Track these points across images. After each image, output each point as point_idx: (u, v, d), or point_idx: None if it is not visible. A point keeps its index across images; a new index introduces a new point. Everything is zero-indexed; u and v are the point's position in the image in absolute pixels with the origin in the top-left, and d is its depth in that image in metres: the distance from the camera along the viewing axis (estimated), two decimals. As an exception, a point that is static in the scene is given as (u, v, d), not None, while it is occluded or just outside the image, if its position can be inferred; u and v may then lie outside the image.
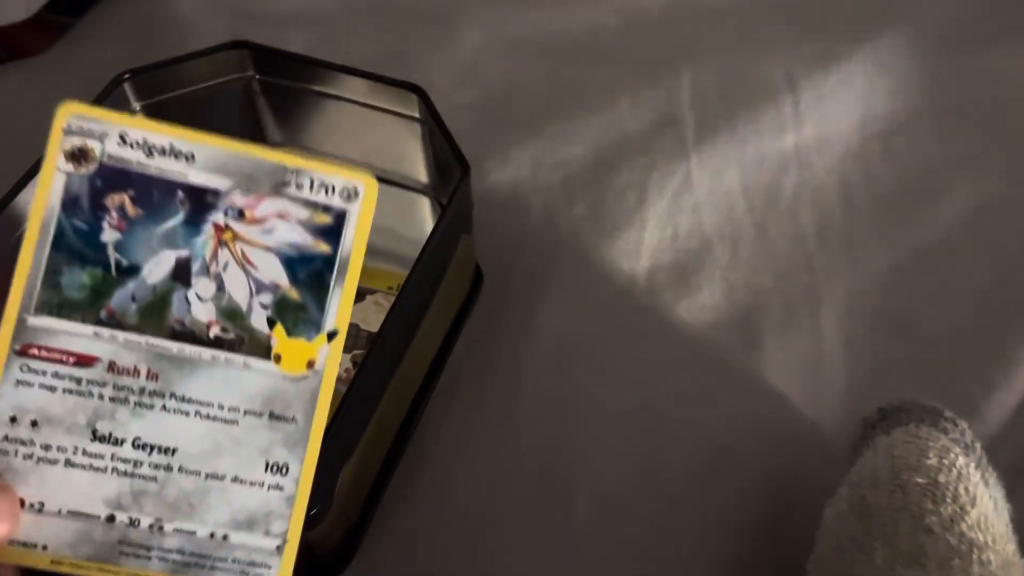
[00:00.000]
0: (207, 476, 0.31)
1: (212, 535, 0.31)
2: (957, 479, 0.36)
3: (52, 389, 0.30)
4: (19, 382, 0.30)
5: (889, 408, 0.40)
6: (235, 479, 0.31)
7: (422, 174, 0.53)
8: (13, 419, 0.30)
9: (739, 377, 0.49)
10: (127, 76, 0.48)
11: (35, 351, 0.30)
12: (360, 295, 0.50)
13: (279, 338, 0.32)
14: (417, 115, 0.49)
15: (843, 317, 0.52)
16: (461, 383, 0.48)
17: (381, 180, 0.54)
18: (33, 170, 0.45)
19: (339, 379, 0.46)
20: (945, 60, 0.65)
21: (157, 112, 0.51)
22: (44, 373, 0.30)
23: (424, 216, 0.53)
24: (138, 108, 0.50)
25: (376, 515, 0.43)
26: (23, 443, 0.30)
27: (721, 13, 0.68)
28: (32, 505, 0.30)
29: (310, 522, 0.37)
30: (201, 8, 0.66)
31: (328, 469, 0.37)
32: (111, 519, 0.31)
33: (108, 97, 0.48)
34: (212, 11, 0.66)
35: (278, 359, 0.32)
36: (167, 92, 0.50)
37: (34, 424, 0.30)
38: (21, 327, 0.30)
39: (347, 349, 0.48)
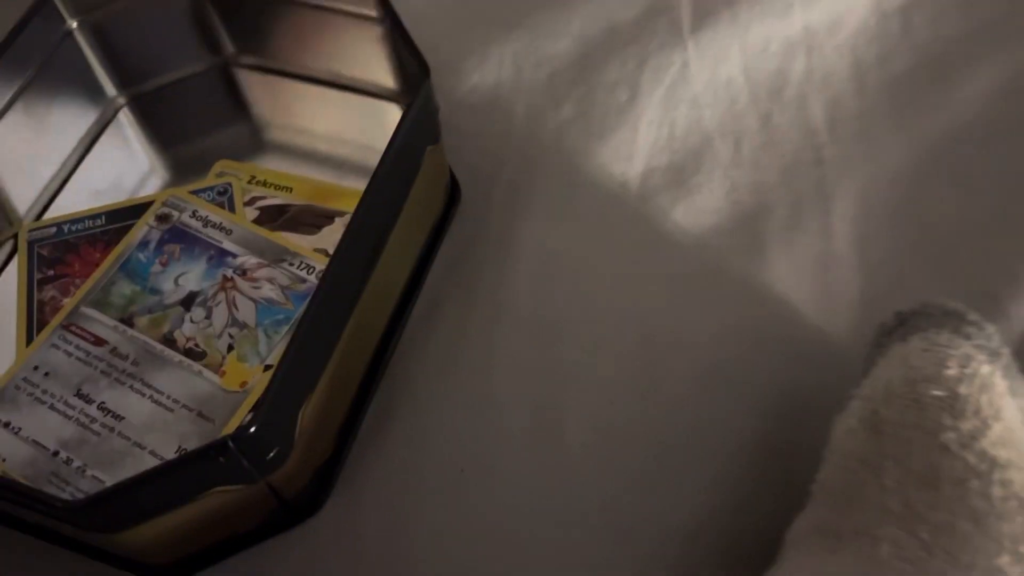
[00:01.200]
0: (134, 443, 0.39)
1: None
2: (980, 390, 0.32)
3: (69, 355, 0.42)
4: (53, 345, 0.42)
5: (908, 312, 0.35)
6: (152, 452, 0.39)
7: (389, 79, 0.48)
8: (36, 368, 0.41)
9: (741, 285, 0.45)
10: (54, -12, 0.44)
11: (73, 328, 0.42)
12: (328, 217, 0.46)
13: (230, 360, 0.41)
14: (375, 15, 0.44)
15: (856, 214, 0.47)
16: (440, 307, 0.45)
17: (345, 88, 0.51)
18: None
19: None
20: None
21: (96, 29, 0.47)
22: (70, 344, 0.42)
23: (393, 126, 0.49)
24: (74, 25, 0.46)
25: (350, 453, 0.41)
26: (33, 385, 0.41)
27: None
28: (15, 427, 0.40)
29: (270, 465, 0.34)
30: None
31: (286, 407, 0.34)
32: (56, 453, 0.39)
33: (37, 14, 0.44)
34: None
35: (223, 374, 0.41)
36: (105, 4, 0.46)
37: (46, 374, 0.41)
38: (74, 311, 0.43)
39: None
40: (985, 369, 0.32)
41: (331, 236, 0.46)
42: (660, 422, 0.41)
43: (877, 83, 0.53)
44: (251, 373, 0.41)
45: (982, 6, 0.54)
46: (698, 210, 0.48)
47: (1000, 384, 0.33)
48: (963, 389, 0.32)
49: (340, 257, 0.35)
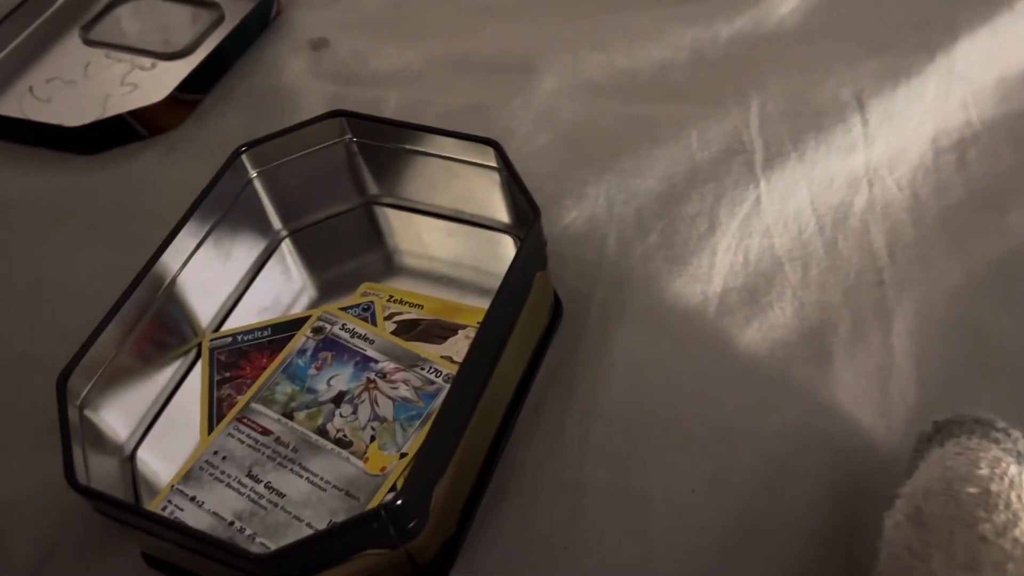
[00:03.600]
0: (294, 517, 0.47)
1: None
2: (1009, 487, 0.37)
3: (241, 442, 0.50)
4: (229, 434, 0.51)
5: (943, 421, 0.41)
6: (308, 524, 0.47)
7: (503, 215, 0.58)
8: (215, 452, 0.50)
9: (808, 393, 0.51)
10: (243, 149, 0.55)
11: (245, 420, 0.51)
12: (453, 330, 0.55)
13: (372, 448, 0.50)
14: (495, 165, 0.54)
15: (914, 330, 0.53)
16: (544, 406, 0.53)
17: (467, 223, 0.61)
18: (175, 231, 0.52)
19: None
20: (1021, 67, 0.66)
21: (272, 176, 0.58)
22: (242, 433, 0.51)
23: (507, 253, 0.58)
24: (254, 175, 0.57)
25: (473, 526, 0.48)
26: (213, 467, 0.50)
27: (787, 37, 0.70)
28: (199, 501, 0.48)
29: (409, 534, 0.42)
30: (306, 76, 0.74)
31: (424, 486, 0.42)
32: (231, 523, 0.47)
33: (229, 168, 0.55)
34: (316, 78, 0.74)
35: (366, 460, 0.49)
36: (279, 159, 0.57)
37: (223, 458, 0.50)
38: (246, 407, 0.52)
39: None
40: (1013, 469, 0.38)
41: (455, 345, 0.54)
42: (732, 509, 0.48)
43: (934, 212, 0.59)
44: (389, 459, 0.49)
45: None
46: (769, 325, 0.55)
47: (1028, 482, 0.38)
48: (994, 487, 0.37)
49: (467, 364, 0.44)
